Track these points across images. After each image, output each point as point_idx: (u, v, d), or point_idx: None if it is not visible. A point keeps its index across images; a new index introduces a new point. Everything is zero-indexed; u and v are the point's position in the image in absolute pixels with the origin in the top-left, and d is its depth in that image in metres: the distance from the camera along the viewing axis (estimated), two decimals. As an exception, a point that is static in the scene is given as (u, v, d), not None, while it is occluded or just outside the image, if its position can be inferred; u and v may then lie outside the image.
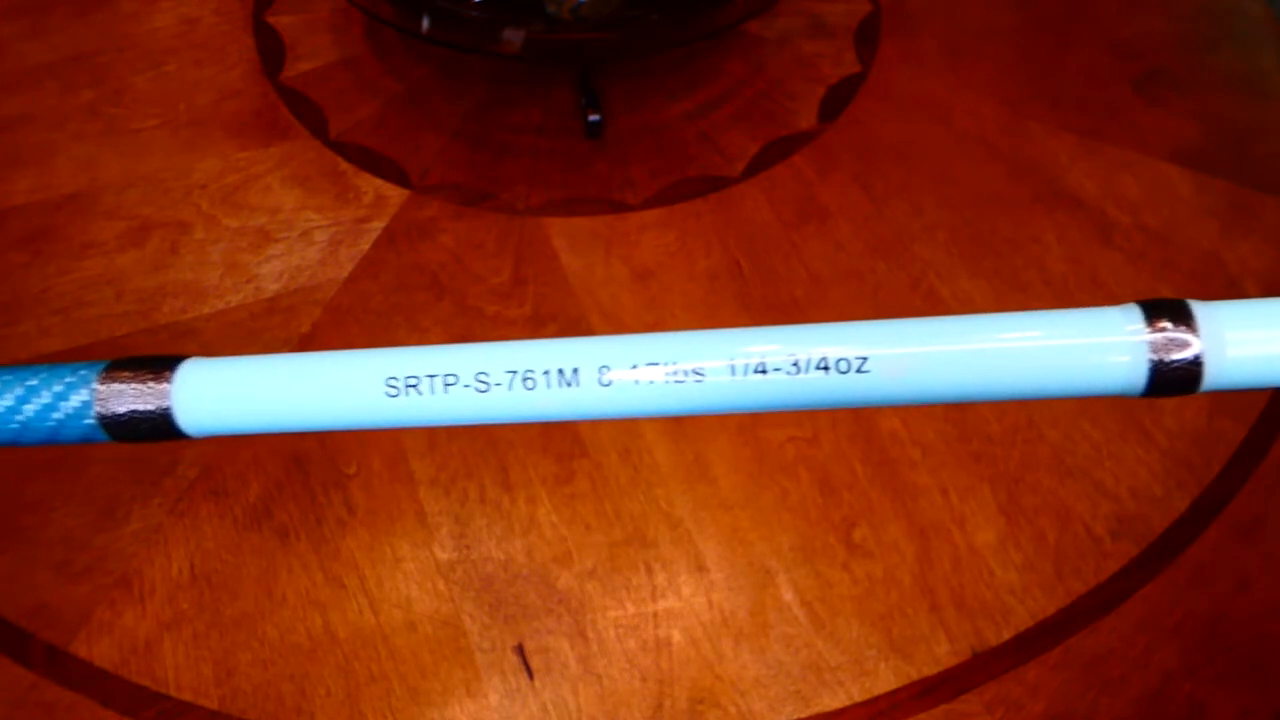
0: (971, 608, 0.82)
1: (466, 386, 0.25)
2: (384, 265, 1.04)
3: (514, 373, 0.25)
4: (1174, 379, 0.23)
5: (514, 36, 1.06)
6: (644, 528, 0.86)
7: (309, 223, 1.08)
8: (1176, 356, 0.23)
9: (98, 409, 0.25)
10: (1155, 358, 0.23)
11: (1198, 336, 0.23)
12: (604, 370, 0.25)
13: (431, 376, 0.25)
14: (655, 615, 0.82)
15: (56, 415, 0.25)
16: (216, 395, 0.26)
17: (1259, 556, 0.85)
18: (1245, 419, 0.94)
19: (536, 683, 0.78)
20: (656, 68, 1.27)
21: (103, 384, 0.25)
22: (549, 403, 0.25)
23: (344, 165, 1.14)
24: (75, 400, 0.25)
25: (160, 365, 0.26)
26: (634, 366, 0.24)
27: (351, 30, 1.30)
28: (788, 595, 0.82)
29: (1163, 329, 0.23)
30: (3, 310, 1.00)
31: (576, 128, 1.19)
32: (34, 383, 0.25)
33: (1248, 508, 0.88)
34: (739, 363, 0.24)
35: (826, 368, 0.24)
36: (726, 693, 0.78)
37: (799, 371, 0.24)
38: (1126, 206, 1.10)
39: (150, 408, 0.25)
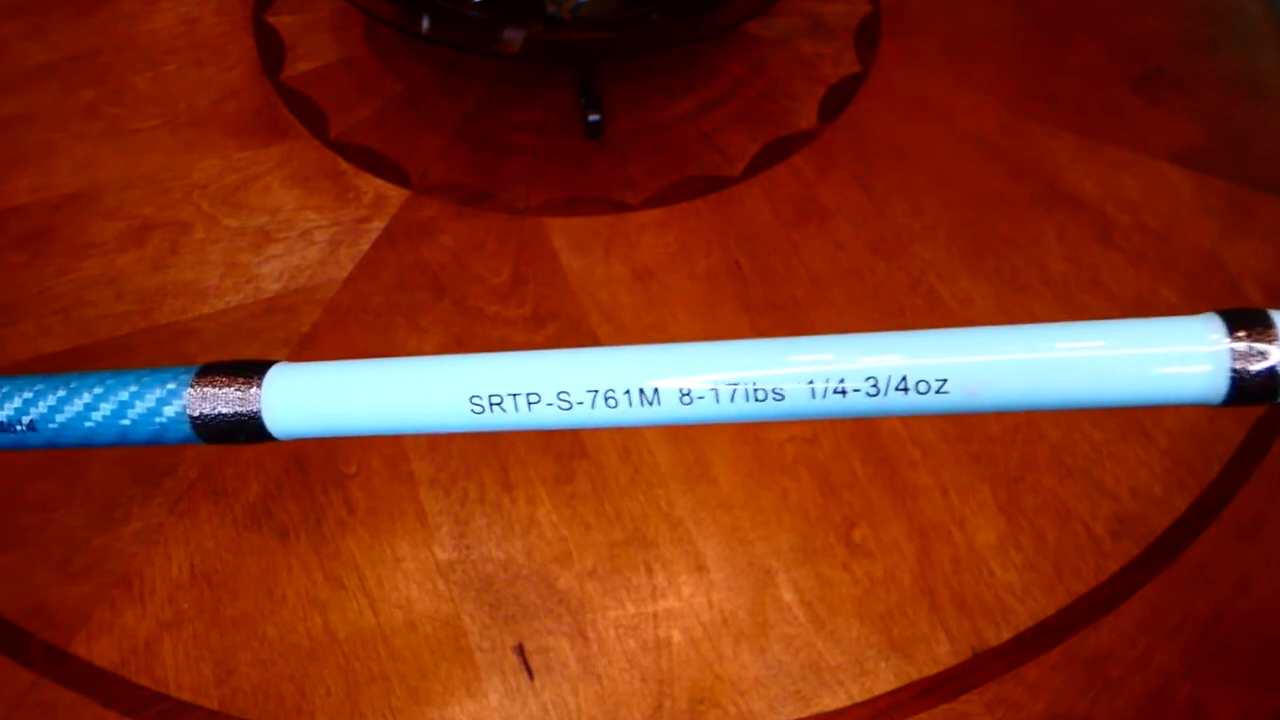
0: (971, 608, 0.82)
1: (549, 405, 0.25)
2: (384, 265, 1.04)
3: (595, 392, 0.25)
4: (1255, 388, 0.23)
5: (514, 36, 1.06)
6: (644, 528, 0.86)
7: (309, 223, 1.08)
8: (1258, 366, 0.23)
9: (191, 413, 0.26)
10: (1237, 367, 0.23)
11: (1279, 346, 0.23)
12: (686, 392, 0.25)
13: (515, 395, 0.25)
14: (655, 615, 0.82)
15: (160, 420, 0.26)
16: (303, 400, 0.27)
17: (1259, 556, 0.85)
18: (1245, 419, 0.94)
19: (536, 683, 0.78)
20: (656, 68, 1.27)
21: (196, 389, 0.27)
22: (630, 417, 0.25)
23: (344, 165, 1.14)
24: (176, 405, 0.26)
25: (250, 371, 0.27)
26: (715, 388, 0.25)
27: (351, 30, 1.30)
28: (788, 595, 0.82)
29: (1243, 338, 0.23)
30: (3, 310, 1.00)
31: (576, 128, 1.19)
32: (135, 388, 0.27)
33: (1248, 508, 0.88)
34: (819, 386, 0.24)
35: (906, 389, 0.24)
36: (726, 693, 0.78)
37: (879, 393, 0.24)
38: (1126, 206, 1.10)
39: (240, 412, 0.26)
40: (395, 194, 1.11)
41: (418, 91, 1.24)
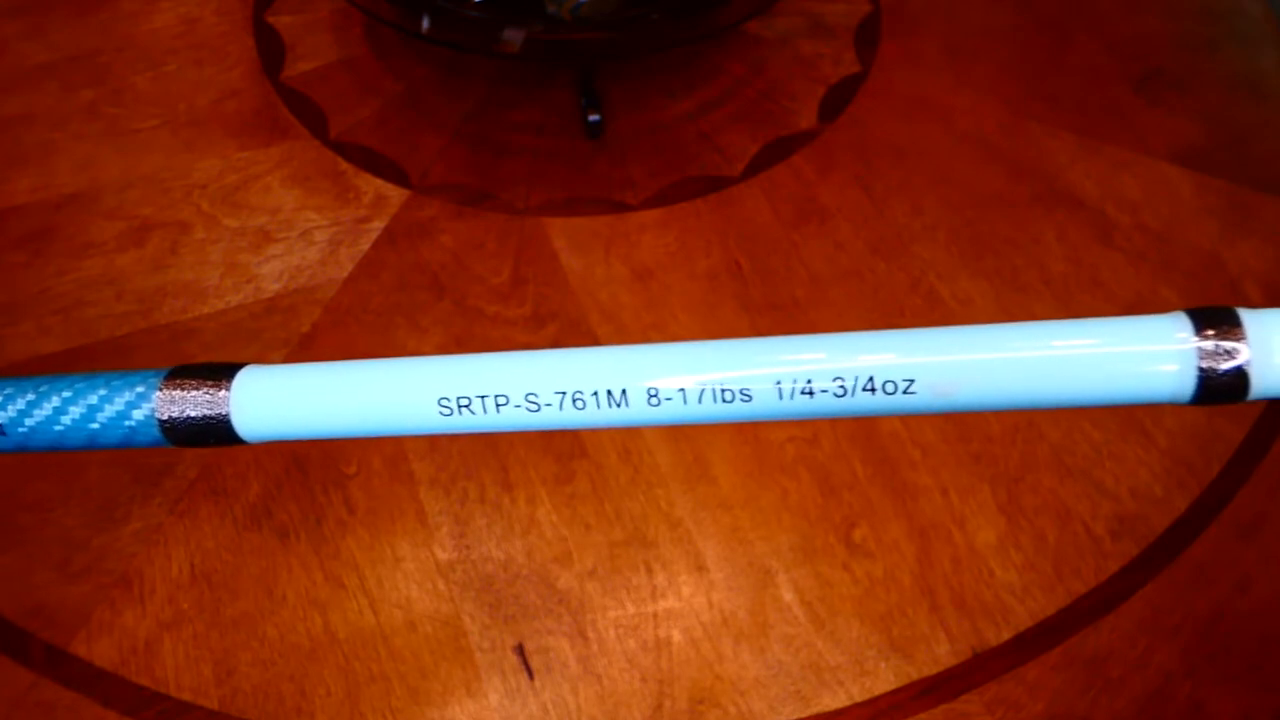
0: (971, 608, 0.82)
1: (518, 407, 0.25)
2: (384, 265, 1.04)
3: (563, 394, 0.25)
4: (1222, 387, 0.23)
5: (514, 36, 1.06)
6: (644, 528, 0.86)
7: (309, 223, 1.08)
8: (1225, 365, 0.23)
9: (159, 416, 0.26)
10: (1204, 365, 0.23)
11: (1246, 344, 0.23)
12: (653, 393, 0.25)
13: (483, 397, 0.25)
14: (655, 615, 0.82)
15: (129, 423, 0.26)
16: (272, 403, 0.27)
17: (1259, 556, 0.85)
18: (1245, 419, 0.94)
19: (536, 683, 0.78)
20: (656, 68, 1.27)
21: (164, 392, 0.26)
22: (598, 419, 0.25)
23: (344, 165, 1.14)
24: (145, 408, 0.26)
25: (219, 374, 0.27)
26: (683, 389, 0.25)
27: (351, 30, 1.30)
28: (788, 595, 0.82)
29: (1211, 337, 0.23)
30: (3, 310, 1.00)
31: (576, 128, 1.19)
32: (104, 392, 0.26)
33: (1248, 508, 0.88)
34: (786, 387, 0.24)
35: (873, 389, 0.24)
36: (726, 693, 0.78)
37: (846, 394, 0.24)
38: (1126, 206, 1.10)
39: (209, 415, 0.26)
40: (395, 194, 1.11)
41: (418, 91, 1.24)
